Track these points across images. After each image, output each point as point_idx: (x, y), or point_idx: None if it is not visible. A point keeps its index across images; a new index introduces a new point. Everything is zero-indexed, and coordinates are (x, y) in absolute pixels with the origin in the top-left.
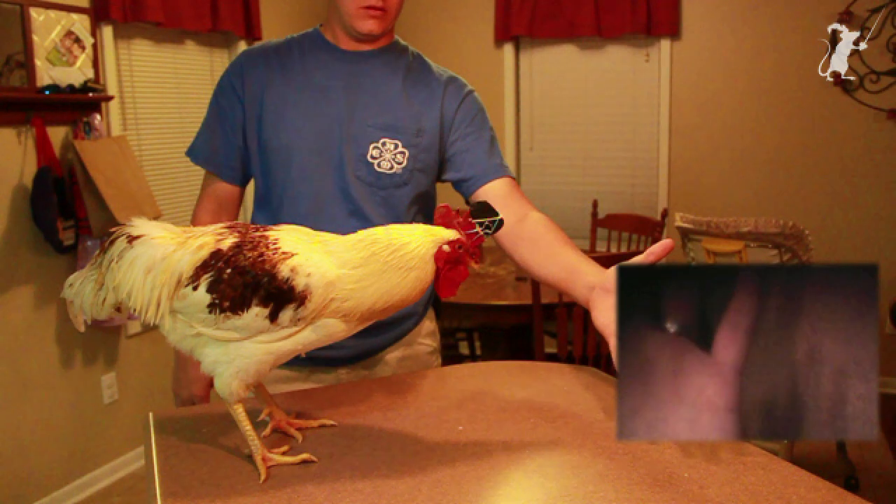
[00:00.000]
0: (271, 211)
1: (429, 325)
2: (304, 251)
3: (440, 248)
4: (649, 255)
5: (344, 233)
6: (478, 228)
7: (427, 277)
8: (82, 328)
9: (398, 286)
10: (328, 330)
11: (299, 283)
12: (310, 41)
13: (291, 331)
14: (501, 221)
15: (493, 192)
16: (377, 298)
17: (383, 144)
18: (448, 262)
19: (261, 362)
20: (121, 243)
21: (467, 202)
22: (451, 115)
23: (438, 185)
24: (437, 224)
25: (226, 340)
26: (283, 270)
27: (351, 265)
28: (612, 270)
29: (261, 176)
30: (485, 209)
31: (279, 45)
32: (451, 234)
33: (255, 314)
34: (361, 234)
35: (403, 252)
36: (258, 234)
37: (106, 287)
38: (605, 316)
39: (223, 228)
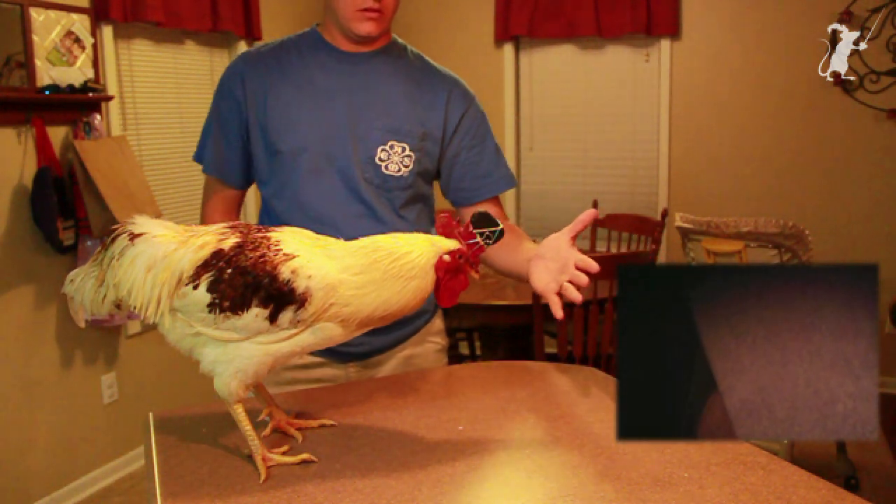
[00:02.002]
0: (280, 214)
1: (438, 322)
2: (305, 253)
3: (441, 257)
4: (577, 223)
5: (357, 234)
6: (478, 238)
7: (427, 287)
8: (82, 324)
9: (398, 295)
10: (326, 333)
11: (300, 285)
12: (309, 42)
13: (290, 332)
14: (502, 232)
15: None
16: (377, 306)
17: (391, 147)
18: (448, 272)
19: (260, 363)
20: (122, 241)
21: (453, 205)
22: (455, 123)
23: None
24: (438, 233)
25: (225, 341)
26: (284, 272)
27: (352, 271)
28: (546, 241)
29: (268, 180)
30: (486, 219)
31: (276, 48)
32: (452, 244)
33: (255, 315)
34: (363, 240)
35: (404, 261)
36: (260, 234)
37: (107, 284)
38: (540, 280)
39: (225, 228)
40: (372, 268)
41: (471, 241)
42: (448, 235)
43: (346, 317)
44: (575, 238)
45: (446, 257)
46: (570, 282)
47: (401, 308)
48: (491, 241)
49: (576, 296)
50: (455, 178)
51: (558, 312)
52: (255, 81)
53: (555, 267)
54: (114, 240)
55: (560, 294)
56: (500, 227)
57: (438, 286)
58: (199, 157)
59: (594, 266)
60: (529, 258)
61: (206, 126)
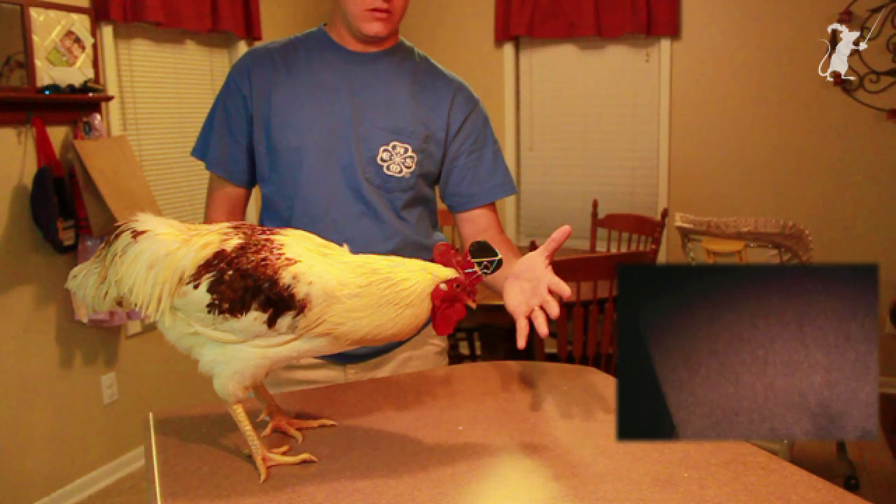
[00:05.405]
0: (281, 213)
1: None
2: (307, 259)
3: (437, 286)
4: (551, 242)
5: (357, 234)
6: (476, 268)
7: (423, 315)
8: (85, 319)
9: (392, 321)
10: (322, 342)
11: (300, 291)
12: (315, 41)
13: (288, 338)
14: (500, 261)
15: (476, 218)
16: (370, 330)
17: (393, 148)
18: (445, 301)
19: (257, 366)
20: (125, 238)
21: (449, 210)
22: (457, 126)
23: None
24: (436, 262)
25: (223, 342)
26: (285, 277)
27: (348, 290)
28: (523, 259)
29: (269, 178)
30: (484, 249)
31: (284, 45)
32: (450, 273)
33: (254, 318)
34: (364, 259)
35: (400, 288)
36: (263, 236)
37: (108, 281)
38: (513, 299)
39: (229, 228)
40: (367, 291)
41: (468, 271)
42: (446, 264)
43: (339, 335)
44: (551, 257)
45: (443, 286)
46: (542, 308)
47: (394, 334)
48: (489, 271)
49: (543, 330)
50: (452, 183)
51: (521, 341)
52: (262, 77)
53: (528, 288)
54: (117, 237)
55: (530, 319)
56: (499, 257)
57: (435, 314)
58: (201, 154)
59: (566, 291)
60: (505, 275)
61: (207, 122)
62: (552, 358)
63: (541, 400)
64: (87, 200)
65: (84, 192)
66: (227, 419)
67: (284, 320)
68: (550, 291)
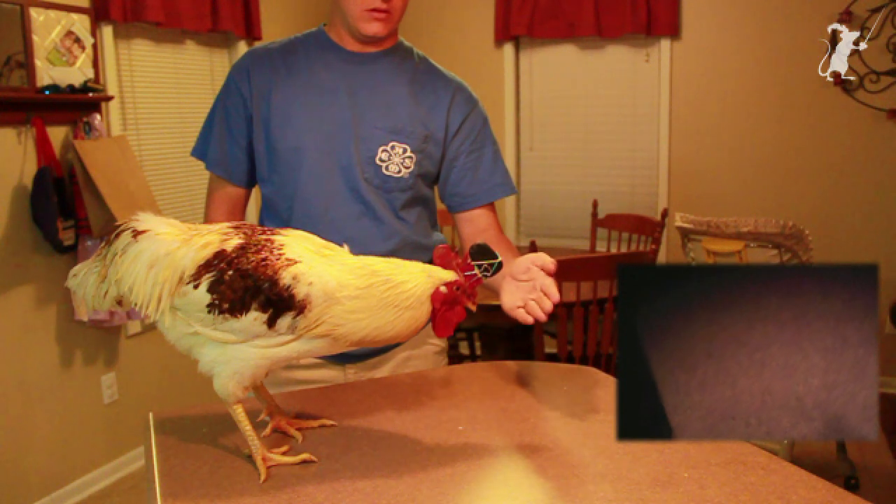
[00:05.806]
0: (281, 213)
1: None
2: (308, 259)
3: (437, 288)
4: (547, 265)
5: (357, 234)
6: (476, 270)
7: (422, 317)
8: (86, 318)
9: (391, 324)
10: (322, 343)
11: (300, 291)
12: (315, 41)
13: (288, 338)
14: (500, 264)
15: (475, 219)
16: (369, 332)
17: (392, 148)
18: (445, 303)
19: (257, 366)
20: (126, 237)
21: (449, 210)
22: (456, 126)
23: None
24: (436, 264)
25: (223, 342)
26: (285, 277)
27: (348, 291)
28: (520, 260)
29: (269, 178)
30: (484, 251)
31: (283, 46)
32: (450, 276)
33: (254, 318)
34: (364, 261)
35: (400, 290)
36: (264, 237)
37: (109, 280)
38: (509, 298)
39: (229, 228)
40: (367, 293)
41: (468, 273)
42: (446, 266)
43: (339, 337)
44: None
45: (443, 288)
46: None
47: (394, 336)
48: (489, 274)
49: (539, 314)
50: (451, 183)
51: (528, 318)
52: (262, 77)
53: (526, 286)
54: (117, 236)
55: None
56: (499, 259)
57: (434, 317)
58: (201, 154)
59: (555, 297)
60: (503, 275)
61: (207, 122)
62: (552, 358)
63: (541, 400)
64: (87, 200)
65: (84, 192)
66: (227, 419)
67: (284, 321)
68: (544, 293)
